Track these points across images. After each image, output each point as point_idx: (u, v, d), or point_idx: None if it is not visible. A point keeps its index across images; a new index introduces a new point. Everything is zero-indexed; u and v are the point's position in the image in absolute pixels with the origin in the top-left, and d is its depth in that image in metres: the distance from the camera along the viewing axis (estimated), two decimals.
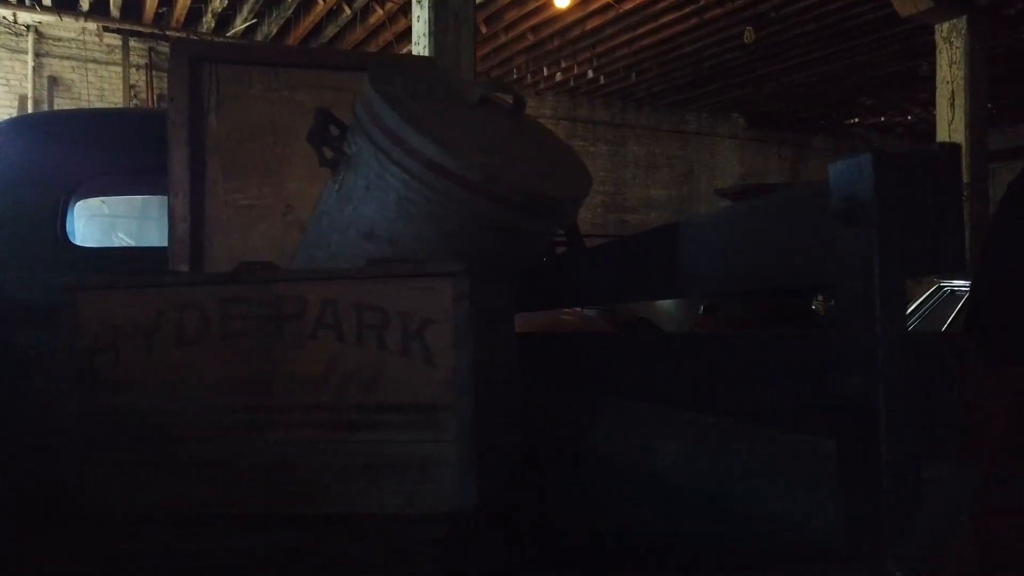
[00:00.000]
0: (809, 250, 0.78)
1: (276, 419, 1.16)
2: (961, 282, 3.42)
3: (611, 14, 9.88)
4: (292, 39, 11.03)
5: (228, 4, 9.90)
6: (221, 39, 10.52)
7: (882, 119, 16.04)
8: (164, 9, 10.07)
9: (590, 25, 10.35)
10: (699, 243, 1.01)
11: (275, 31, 10.48)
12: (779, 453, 0.84)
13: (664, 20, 10.15)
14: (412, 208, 1.42)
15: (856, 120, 16.24)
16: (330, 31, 10.63)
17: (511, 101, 1.68)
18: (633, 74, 12.68)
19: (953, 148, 0.69)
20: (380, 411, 1.12)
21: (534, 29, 10.68)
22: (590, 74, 12.55)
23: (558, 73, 12.60)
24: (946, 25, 7.47)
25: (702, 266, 1.01)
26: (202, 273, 1.77)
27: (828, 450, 0.72)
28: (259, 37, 10.79)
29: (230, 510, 1.16)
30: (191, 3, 9.78)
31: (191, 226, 2.08)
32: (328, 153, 1.54)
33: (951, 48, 7.49)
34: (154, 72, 10.76)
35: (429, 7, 5.07)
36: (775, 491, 0.81)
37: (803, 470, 0.79)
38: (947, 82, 7.49)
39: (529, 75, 12.81)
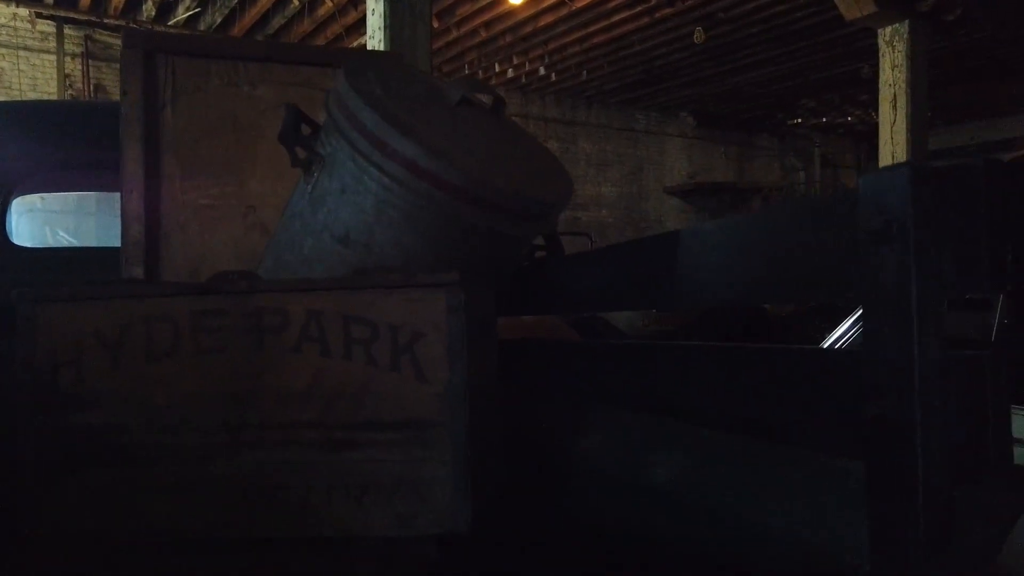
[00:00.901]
0: (835, 266, 0.76)
1: (257, 438, 1.09)
2: None
3: (563, 11, 9.88)
4: (237, 29, 10.71)
5: None
6: (163, 28, 10.15)
7: (824, 120, 16.48)
8: None
9: (542, 22, 10.33)
10: (705, 253, 0.98)
11: (219, 21, 10.16)
12: (801, 473, 0.82)
13: (616, 18, 10.20)
14: (391, 212, 1.36)
15: (799, 120, 16.64)
16: (277, 22, 10.35)
17: (490, 101, 1.63)
18: (584, 72, 12.72)
19: (995, 164, 0.67)
20: (369, 429, 1.07)
21: (487, 25, 10.61)
22: (542, 71, 12.54)
23: (510, 69, 12.55)
24: (889, 29, 7.69)
25: (708, 277, 0.99)
26: (174, 283, 1.67)
27: (856, 472, 0.70)
28: (202, 27, 10.45)
29: (208, 534, 1.08)
30: None
31: (146, 227, 1.97)
32: (301, 153, 1.47)
33: (893, 52, 7.71)
34: (91, 61, 10.32)
35: (385, 1, 4.97)
36: (795, 512, 0.79)
37: (827, 492, 0.77)
38: (889, 85, 7.71)
39: (481, 71, 12.73)
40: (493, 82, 13.42)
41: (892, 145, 7.73)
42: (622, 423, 1.15)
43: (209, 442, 1.11)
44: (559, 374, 1.48)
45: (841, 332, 3.73)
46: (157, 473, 1.12)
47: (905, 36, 7.55)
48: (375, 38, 5.05)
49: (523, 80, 13.28)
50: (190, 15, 10.10)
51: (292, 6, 9.86)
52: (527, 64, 12.26)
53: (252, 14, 10.03)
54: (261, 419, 1.09)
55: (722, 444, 0.95)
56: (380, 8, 5.01)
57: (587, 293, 1.35)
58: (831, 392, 0.81)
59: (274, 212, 1.79)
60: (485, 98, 1.62)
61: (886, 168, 0.68)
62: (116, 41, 9.71)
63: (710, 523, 0.87)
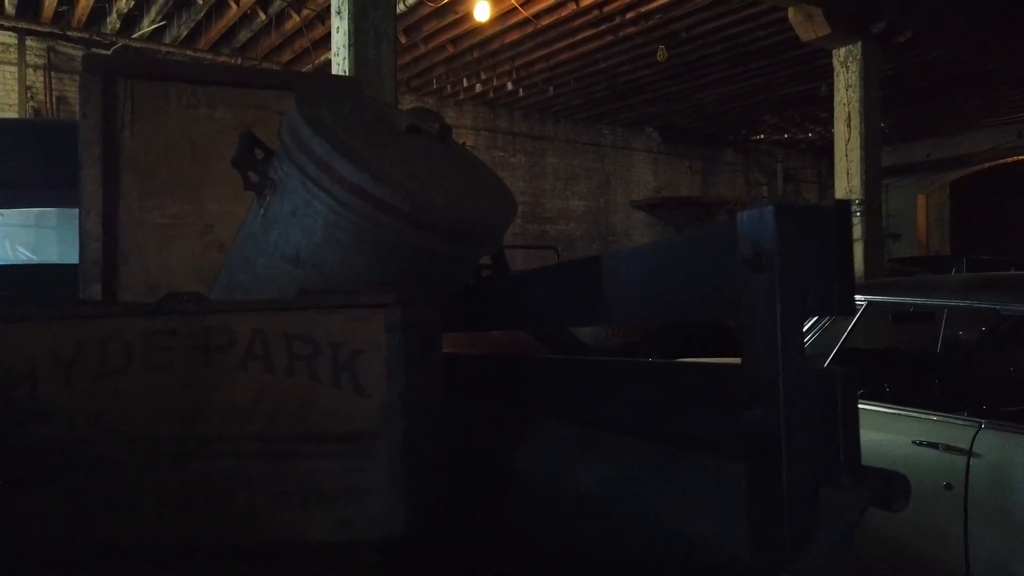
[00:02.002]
0: (721, 290, 0.85)
1: (205, 450, 1.15)
2: (859, 296, 3.64)
3: (529, 28, 10.04)
4: (203, 42, 10.70)
5: (134, 5, 9.51)
6: (127, 41, 10.10)
7: (785, 136, 16.87)
8: (65, 8, 9.59)
9: (509, 38, 10.48)
10: (622, 276, 1.07)
11: (185, 34, 10.14)
12: (692, 475, 0.90)
13: (581, 36, 10.39)
14: (339, 234, 1.44)
15: (762, 136, 17.01)
16: (243, 36, 10.38)
17: (437, 128, 1.72)
18: (551, 88, 12.90)
19: (844, 205, 0.77)
20: (311, 440, 1.13)
21: (454, 41, 10.73)
22: (509, 86, 12.69)
23: (478, 84, 12.69)
24: (843, 50, 7.96)
25: (625, 297, 1.07)
26: (126, 303, 1.72)
27: (737, 473, 0.78)
28: (167, 39, 10.43)
29: (159, 542, 1.14)
30: (94, 3, 9.34)
31: (104, 246, 2.02)
32: (253, 177, 1.54)
33: (847, 72, 7.98)
34: (53, 73, 10.23)
35: (349, 19, 5.04)
36: (689, 511, 0.87)
37: (714, 492, 0.86)
38: (844, 104, 7.97)
39: (449, 86, 12.86)
40: (461, 97, 13.56)
41: (847, 162, 7.98)
42: (547, 432, 1.23)
43: (159, 454, 1.16)
44: (498, 386, 1.56)
45: None
46: (111, 484, 1.17)
47: (858, 57, 7.83)
48: (340, 55, 5.12)
49: (491, 95, 13.44)
50: (155, 28, 10.07)
51: (259, 20, 9.89)
52: (495, 79, 12.42)
53: (218, 27, 10.04)
54: (208, 432, 1.15)
55: (628, 451, 1.03)
56: (344, 26, 5.08)
57: (525, 311, 1.43)
58: (721, 401, 0.90)
59: (231, 231, 1.85)
60: (433, 125, 1.71)
61: (758, 207, 0.77)
62: (79, 53, 9.64)
63: (621, 524, 0.95)
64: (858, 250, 7.85)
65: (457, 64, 11.69)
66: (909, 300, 3.50)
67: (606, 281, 1.11)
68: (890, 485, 0.76)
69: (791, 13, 7.78)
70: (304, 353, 1.13)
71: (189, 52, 11.05)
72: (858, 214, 7.86)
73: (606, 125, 15.87)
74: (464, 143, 13.62)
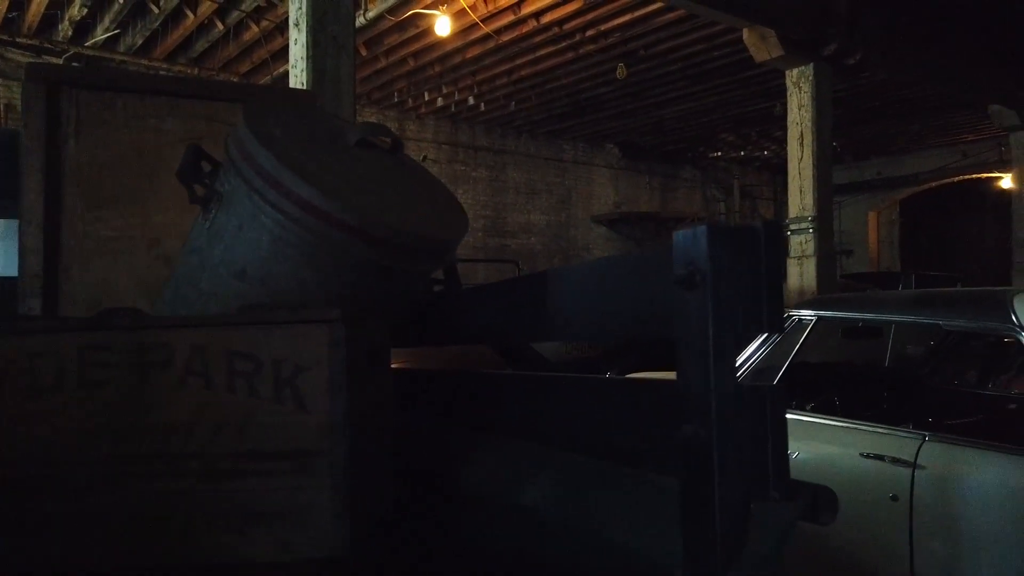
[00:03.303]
0: (657, 308, 0.87)
1: (142, 470, 1.12)
2: (809, 312, 3.72)
3: (491, 44, 10.10)
4: (159, 52, 10.53)
5: (87, 12, 9.33)
6: (79, 49, 9.89)
7: (742, 153, 17.22)
8: (15, 14, 9.36)
9: (470, 53, 10.53)
10: (566, 292, 1.08)
11: (140, 43, 9.98)
12: (631, 491, 0.91)
13: (541, 52, 10.49)
14: (287, 249, 1.42)
15: (719, 154, 17.34)
16: (200, 46, 10.24)
17: (389, 143, 1.71)
18: (513, 103, 12.99)
19: (774, 226, 0.79)
20: (252, 459, 1.11)
21: (415, 55, 10.74)
22: (471, 101, 12.74)
23: (439, 98, 12.71)
24: (795, 71, 8.16)
25: (569, 313, 1.08)
26: (59, 319, 1.67)
27: (672, 488, 0.79)
28: (122, 48, 10.24)
29: (93, 567, 1.11)
30: (45, 9, 9.14)
31: (44, 259, 1.96)
32: (199, 190, 1.51)
33: (800, 92, 8.18)
34: (1, 80, 9.96)
35: (307, 31, 5.02)
36: (628, 526, 0.88)
37: (652, 507, 0.87)
38: (797, 123, 8.17)
39: (410, 99, 12.85)
40: (423, 110, 13.57)
41: (800, 180, 8.17)
42: (494, 448, 1.23)
43: (94, 474, 1.13)
44: (449, 402, 1.55)
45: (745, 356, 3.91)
46: (43, 506, 1.14)
47: (810, 78, 8.03)
48: (298, 67, 5.08)
49: (453, 109, 13.47)
50: (109, 36, 9.88)
51: (216, 30, 9.78)
52: (456, 94, 12.46)
53: (175, 37, 9.90)
54: (145, 452, 1.13)
55: (572, 466, 1.04)
56: (302, 38, 5.05)
57: (474, 326, 1.43)
58: (661, 416, 0.91)
59: (179, 246, 1.82)
60: (384, 140, 1.70)
61: (692, 228, 0.79)
62: (29, 60, 9.41)
63: (565, 540, 0.95)
64: (810, 266, 8.03)
65: (418, 78, 11.70)
66: (857, 315, 3.58)
67: (551, 297, 1.12)
68: (818, 499, 0.77)
69: (746, 34, 7.96)
70: (245, 370, 1.11)
71: (144, 62, 10.86)
72: (811, 231, 8.05)
73: (567, 140, 16.02)
74: (425, 156, 13.63)
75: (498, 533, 1.12)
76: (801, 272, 8.15)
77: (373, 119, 13.60)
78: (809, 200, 8.08)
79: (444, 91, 12.34)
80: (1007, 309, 2.91)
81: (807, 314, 3.70)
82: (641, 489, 0.92)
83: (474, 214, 14.83)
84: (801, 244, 8.14)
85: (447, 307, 1.68)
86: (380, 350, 1.36)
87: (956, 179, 16.68)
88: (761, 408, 0.78)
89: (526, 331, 1.39)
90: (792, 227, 8.23)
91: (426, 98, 12.71)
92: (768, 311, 0.77)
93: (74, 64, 9.58)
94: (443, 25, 8.40)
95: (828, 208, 8.27)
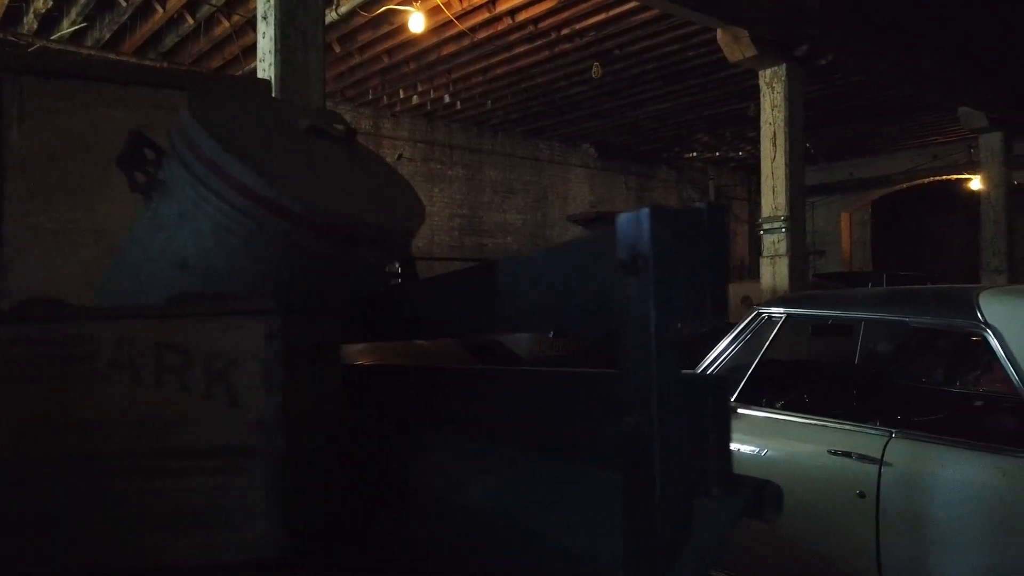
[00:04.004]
0: (602, 296, 0.83)
1: (64, 469, 1.06)
2: (779, 309, 3.72)
3: (466, 42, 10.04)
4: (127, 46, 10.34)
5: (53, 5, 9.12)
6: (44, 43, 9.67)
7: (717, 154, 17.32)
8: None
9: (445, 51, 10.46)
10: (514, 282, 1.04)
11: (108, 37, 9.78)
12: (576, 486, 0.87)
13: (517, 51, 10.45)
14: (229, 238, 1.36)
15: (694, 154, 17.42)
16: (170, 40, 10.06)
17: (342, 130, 1.66)
18: (489, 101, 12.94)
19: (718, 208, 0.75)
20: (180, 457, 1.05)
21: (389, 52, 10.65)
22: (446, 99, 12.67)
23: (415, 96, 12.63)
24: (768, 71, 8.20)
25: (516, 305, 1.04)
26: None
27: (615, 483, 0.75)
28: (89, 42, 10.03)
29: (13, 570, 1.04)
30: (9, 2, 8.92)
31: None
32: (140, 178, 1.45)
33: (773, 92, 8.22)
34: None
35: (275, 24, 4.93)
36: (568, 523, 0.84)
37: (595, 503, 0.83)
38: (769, 123, 8.20)
39: (385, 97, 12.75)
40: (398, 108, 13.47)
41: (772, 179, 8.21)
42: (441, 445, 1.18)
43: (14, 475, 1.07)
44: (397, 398, 1.50)
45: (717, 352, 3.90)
46: None
47: (783, 78, 8.08)
48: (266, 61, 4.99)
49: (428, 107, 13.39)
50: (76, 30, 9.68)
51: (186, 24, 9.62)
52: (432, 91, 12.37)
53: (143, 31, 9.72)
54: (68, 449, 1.07)
55: (518, 463, 1.00)
56: (271, 32, 4.96)
57: (426, 320, 1.38)
58: (603, 409, 0.87)
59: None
60: (337, 128, 1.65)
61: (634, 211, 0.75)
62: None
63: (511, 539, 0.91)
64: (783, 265, 8.07)
65: (393, 75, 11.60)
66: (826, 313, 3.59)
67: (501, 288, 1.07)
68: (763, 495, 0.74)
69: (719, 34, 7.98)
70: (174, 363, 1.06)
71: (112, 56, 10.66)
72: (783, 230, 8.09)
73: (543, 140, 16.00)
74: (400, 155, 13.52)
75: (441, 532, 1.08)
76: (774, 271, 8.19)
77: (347, 117, 13.49)
78: (782, 200, 8.12)
79: (419, 89, 12.25)
80: (973, 306, 2.92)
81: (776, 311, 3.70)
82: (582, 485, 0.88)
83: (450, 213, 14.76)
84: (774, 243, 8.18)
85: (403, 299, 1.63)
86: (327, 344, 1.31)
87: (927, 180, 16.91)
88: (703, 399, 0.74)
89: (477, 324, 1.34)
90: (765, 227, 8.27)
91: (401, 96, 12.61)
92: (712, 298, 0.73)
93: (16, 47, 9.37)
94: (417, 22, 8.33)
95: (801, 208, 8.31)
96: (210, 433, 1.05)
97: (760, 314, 3.76)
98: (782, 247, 8.11)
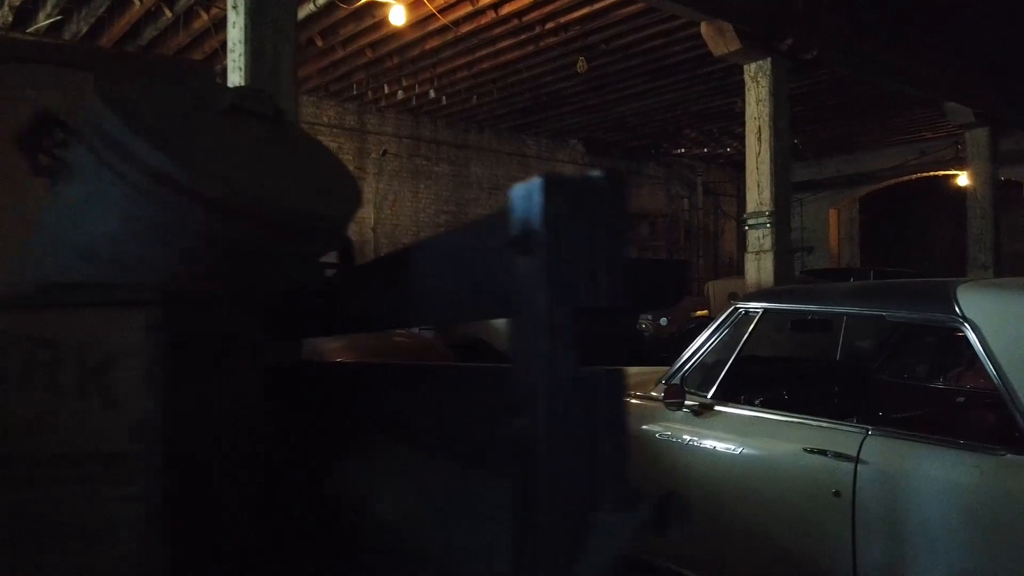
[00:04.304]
0: (496, 280, 0.73)
1: None
2: (756, 304, 3.64)
3: (450, 36, 9.92)
4: (106, 40, 10.18)
5: None
6: (18, 35, 9.50)
7: (705, 150, 17.25)
8: None
9: (429, 45, 10.34)
10: (419, 270, 0.94)
11: (85, 30, 9.61)
12: (465, 491, 0.78)
13: (501, 45, 10.33)
14: (138, 225, 1.26)
15: (683, 151, 17.34)
16: (149, 34, 9.91)
17: (271, 110, 1.55)
18: (474, 96, 12.82)
19: (618, 176, 0.65)
20: (47, 464, 0.95)
21: (372, 45, 10.52)
22: (432, 94, 12.55)
23: (399, 91, 12.50)
24: (753, 65, 8.12)
25: (422, 294, 0.94)
26: None
27: (504, 489, 0.66)
28: (67, 36, 9.87)
29: None
30: None
31: None
32: (44, 160, 1.34)
33: (758, 87, 8.13)
34: None
35: (245, 14, 4.81)
36: (460, 527, 0.75)
37: (485, 508, 0.73)
38: (754, 118, 8.12)
39: (370, 91, 12.62)
40: (383, 103, 13.34)
41: (757, 174, 8.13)
42: (356, 449, 1.08)
43: None
44: (321, 397, 1.40)
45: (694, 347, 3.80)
46: None
47: (768, 72, 7.99)
48: (236, 52, 4.87)
49: (414, 102, 13.26)
50: (52, 22, 9.51)
51: (165, 18, 9.46)
52: (417, 87, 12.25)
53: (121, 25, 9.56)
54: None
55: (426, 471, 0.90)
56: (241, 22, 4.84)
57: (349, 314, 1.28)
58: (496, 408, 0.77)
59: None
60: (264, 108, 1.54)
61: (528, 182, 0.65)
62: None
63: (416, 547, 0.82)
64: (768, 261, 7.99)
65: (377, 70, 11.47)
66: (803, 308, 3.50)
67: (412, 277, 0.97)
68: (665, 507, 0.64)
69: (704, 28, 7.89)
70: (43, 359, 0.95)
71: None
72: (768, 225, 8.01)
73: (531, 136, 15.89)
74: (385, 151, 13.36)
75: (354, 540, 0.98)
76: (759, 267, 8.12)
77: (332, 112, 13.34)
78: (767, 195, 8.04)
79: (404, 84, 12.12)
80: (950, 300, 2.83)
81: (753, 306, 3.61)
82: (479, 493, 0.79)
83: (436, 209, 14.64)
84: (759, 239, 8.10)
85: (337, 292, 1.52)
86: (240, 338, 1.20)
87: (915, 176, 16.89)
88: (596, 398, 0.64)
89: (393, 318, 1.24)
90: (750, 222, 8.19)
91: (386, 91, 12.48)
92: (608, 280, 0.63)
93: None
94: (398, 14, 8.20)
95: (786, 203, 8.24)
96: (83, 437, 0.95)
97: (737, 309, 3.68)
98: (767, 243, 8.03)
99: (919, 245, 20.27)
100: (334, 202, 1.47)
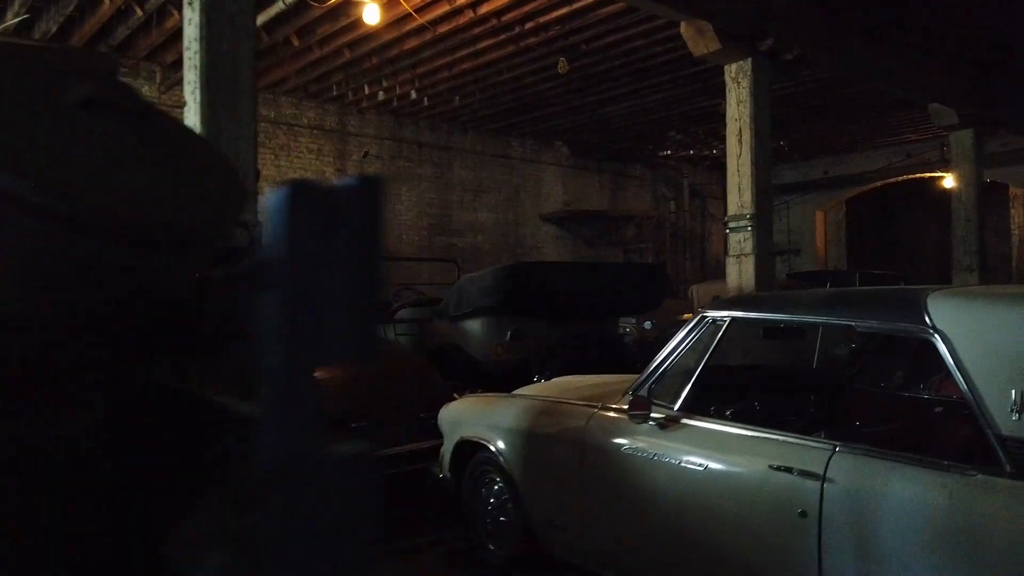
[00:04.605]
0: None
1: None
2: (723, 312, 3.48)
3: (428, 35, 9.76)
4: (77, 39, 9.97)
5: None
6: None
7: (691, 152, 17.12)
8: None
9: (408, 45, 10.17)
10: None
11: (55, 29, 9.41)
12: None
13: (482, 45, 10.17)
14: None
15: (668, 153, 17.22)
16: (121, 33, 9.72)
17: (137, 106, 1.38)
18: (457, 97, 12.65)
19: (373, 182, 0.49)
20: None
21: (350, 45, 10.34)
22: (413, 95, 12.38)
23: (380, 92, 12.32)
24: (734, 66, 7.98)
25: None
26: None
27: None
28: (37, 35, 9.66)
29: None
30: None
31: None
32: None
33: (739, 88, 7.99)
34: None
35: (200, 9, 4.63)
36: None
37: None
38: (735, 119, 7.98)
39: (350, 93, 12.43)
40: (364, 105, 13.16)
41: (738, 176, 7.99)
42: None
43: None
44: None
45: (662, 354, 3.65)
46: None
47: (748, 73, 7.85)
48: (191, 49, 4.70)
49: (395, 103, 13.09)
50: (20, 20, 9.30)
51: (136, 17, 9.27)
52: (397, 87, 12.07)
53: (91, 24, 9.37)
54: None
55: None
56: (196, 18, 4.67)
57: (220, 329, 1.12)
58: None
59: None
60: (126, 102, 1.37)
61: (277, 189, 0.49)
62: None
63: None
64: (749, 264, 7.85)
65: (356, 70, 11.30)
66: (771, 316, 3.35)
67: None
68: None
69: (683, 27, 7.74)
70: None
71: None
72: (749, 228, 7.87)
73: (515, 137, 15.74)
74: (366, 152, 13.13)
75: None
76: (740, 271, 7.97)
77: (311, 113, 13.15)
78: (748, 197, 7.89)
79: (384, 84, 11.95)
80: (920, 309, 2.69)
81: (721, 315, 3.46)
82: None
83: (419, 212, 14.47)
84: (740, 242, 7.96)
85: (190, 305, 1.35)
86: (62, 369, 1.04)
87: (901, 179, 16.82)
88: (350, 492, 0.47)
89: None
90: (731, 225, 8.05)
91: (366, 92, 12.31)
92: (360, 329, 0.46)
93: None
94: (371, 13, 8.03)
95: (767, 206, 8.10)
96: None
97: (705, 317, 3.53)
98: (748, 246, 7.89)
99: (906, 247, 20.22)
100: (204, 208, 1.30)
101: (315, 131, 13.14)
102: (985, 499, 2.34)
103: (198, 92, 4.50)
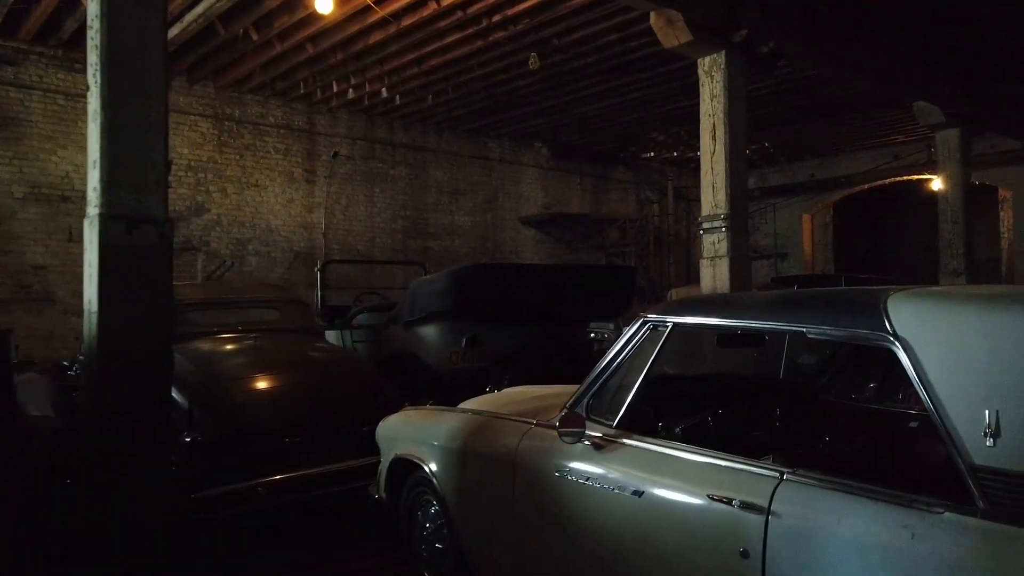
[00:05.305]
0: None
1: None
2: (664, 317, 3.05)
3: (393, 29, 9.34)
4: (24, 33, 9.55)
5: None
6: None
7: (675, 154, 16.74)
8: None
9: (373, 39, 9.75)
10: None
11: None
12: None
13: (449, 40, 9.76)
14: None
15: (652, 155, 16.83)
16: (70, 26, 9.28)
17: None
18: (429, 96, 12.23)
19: None
20: None
21: (312, 39, 9.92)
22: (384, 93, 11.94)
23: (350, 90, 11.88)
24: (707, 59, 7.57)
25: None
26: None
27: None
28: None
29: None
30: None
31: None
32: None
33: (712, 82, 7.59)
34: None
35: None
36: None
37: None
38: (709, 115, 7.57)
39: (319, 90, 12.00)
40: (334, 103, 12.71)
41: (712, 175, 7.58)
42: None
43: None
44: None
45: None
46: None
47: (722, 66, 7.45)
48: (94, 27, 4.24)
49: (366, 102, 12.66)
50: None
51: (82, 9, 8.82)
52: (367, 85, 11.63)
53: (36, 16, 8.96)
54: None
55: None
56: None
57: None
58: None
59: None
60: None
61: None
62: None
63: None
64: (723, 267, 7.43)
65: (321, 66, 10.86)
66: (715, 322, 2.93)
67: None
68: None
69: (653, 18, 7.34)
70: None
71: (13, 44, 9.85)
72: (724, 230, 7.46)
73: (492, 138, 15.33)
74: (336, 152, 12.67)
75: None
76: (714, 274, 7.55)
77: (278, 112, 12.69)
78: (722, 197, 7.48)
79: (353, 82, 11.51)
80: (880, 313, 2.28)
81: (662, 320, 3.04)
82: None
83: (392, 214, 14.03)
84: (714, 244, 7.54)
85: None
86: None
87: (888, 181, 16.47)
88: None
89: None
90: (705, 226, 7.63)
91: (335, 89, 11.86)
92: None
93: None
94: (324, 2, 7.60)
95: (742, 206, 7.68)
96: None
97: (645, 322, 3.10)
98: (723, 248, 7.48)
99: (894, 251, 19.87)
100: None
101: (282, 130, 12.70)
102: (953, 544, 1.91)
103: (98, 74, 4.06)
